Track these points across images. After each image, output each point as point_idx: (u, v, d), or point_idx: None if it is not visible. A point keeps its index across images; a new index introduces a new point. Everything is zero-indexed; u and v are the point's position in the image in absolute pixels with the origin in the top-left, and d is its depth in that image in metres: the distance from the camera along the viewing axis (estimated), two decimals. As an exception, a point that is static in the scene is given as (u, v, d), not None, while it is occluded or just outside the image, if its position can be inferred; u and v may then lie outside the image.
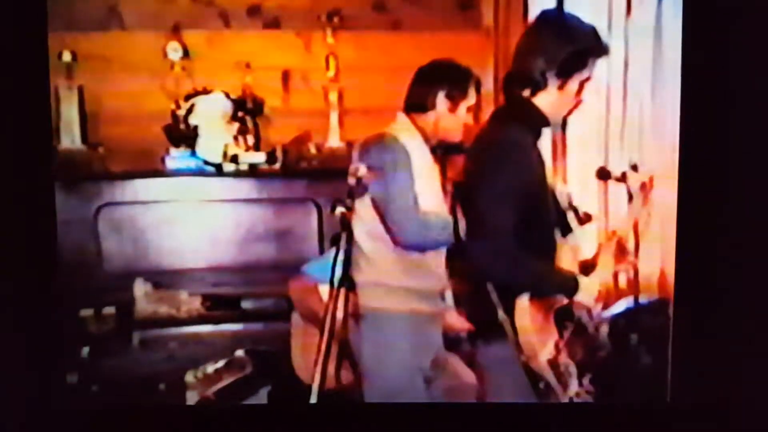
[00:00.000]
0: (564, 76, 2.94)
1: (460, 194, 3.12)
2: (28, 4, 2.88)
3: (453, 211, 3.19)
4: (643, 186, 3.16)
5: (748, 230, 2.96)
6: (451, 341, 3.58)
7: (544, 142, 4.18)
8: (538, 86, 2.96)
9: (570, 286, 2.93)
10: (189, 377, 4.03)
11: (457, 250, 3.20)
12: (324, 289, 2.87)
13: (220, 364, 4.09)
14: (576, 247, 3.08)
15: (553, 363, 2.87)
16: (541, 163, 3.05)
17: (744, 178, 2.95)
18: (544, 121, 3.02)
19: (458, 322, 3.48)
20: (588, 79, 3.00)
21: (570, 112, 3.06)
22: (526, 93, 2.99)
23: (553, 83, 2.95)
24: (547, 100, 2.98)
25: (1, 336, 2.94)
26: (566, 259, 3.01)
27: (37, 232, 2.97)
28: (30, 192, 2.93)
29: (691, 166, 3.02)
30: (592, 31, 3.00)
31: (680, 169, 3.06)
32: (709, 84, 2.95)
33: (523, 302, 2.84)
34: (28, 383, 2.97)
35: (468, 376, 3.51)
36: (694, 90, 2.98)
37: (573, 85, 2.97)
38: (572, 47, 2.93)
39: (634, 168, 3.19)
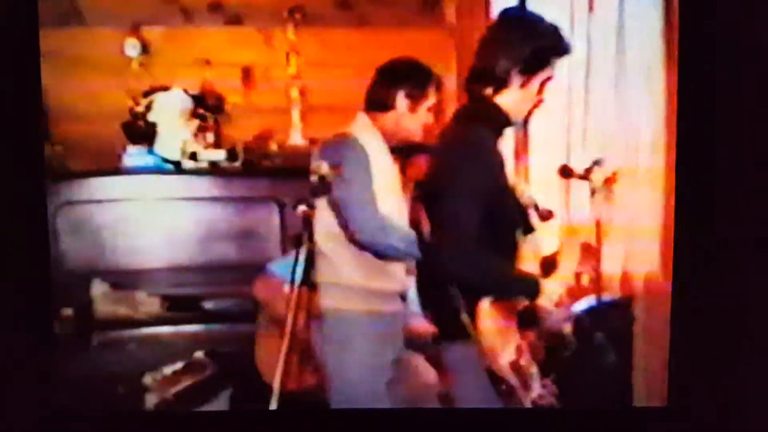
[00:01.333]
0: (527, 73, 2.95)
1: (423, 194, 3.11)
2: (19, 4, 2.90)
3: (414, 224, 3.18)
4: (606, 181, 3.17)
5: (746, 228, 2.99)
6: (416, 344, 3.57)
7: (507, 141, 4.20)
8: (501, 84, 2.96)
9: (532, 289, 2.93)
10: (148, 379, 3.98)
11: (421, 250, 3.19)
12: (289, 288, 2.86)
13: (180, 365, 4.05)
14: (538, 246, 3.08)
15: (515, 365, 2.86)
16: (503, 162, 3.05)
17: (741, 174, 2.98)
18: (507, 121, 3.02)
19: (423, 326, 3.47)
20: (550, 78, 3.00)
21: (531, 111, 3.06)
22: (489, 91, 2.98)
23: (515, 81, 2.95)
24: (509, 98, 2.98)
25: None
26: (528, 258, 3.01)
27: (30, 231, 2.98)
28: (22, 192, 2.94)
29: (686, 162, 3.04)
30: (555, 30, 3.01)
31: (677, 166, 3.10)
32: (704, 81, 2.98)
33: (485, 305, 2.84)
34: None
35: (430, 375, 3.51)
36: (689, 87, 3.01)
37: (535, 83, 2.97)
38: (535, 45, 2.94)
39: (597, 163, 3.19)
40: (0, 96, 2.91)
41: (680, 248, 3.11)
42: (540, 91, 3.01)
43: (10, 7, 2.89)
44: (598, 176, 3.19)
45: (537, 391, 2.93)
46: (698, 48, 3.02)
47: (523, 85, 2.97)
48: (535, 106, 3.05)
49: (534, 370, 2.94)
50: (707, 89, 3.01)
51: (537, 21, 3.05)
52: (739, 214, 3.03)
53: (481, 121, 2.98)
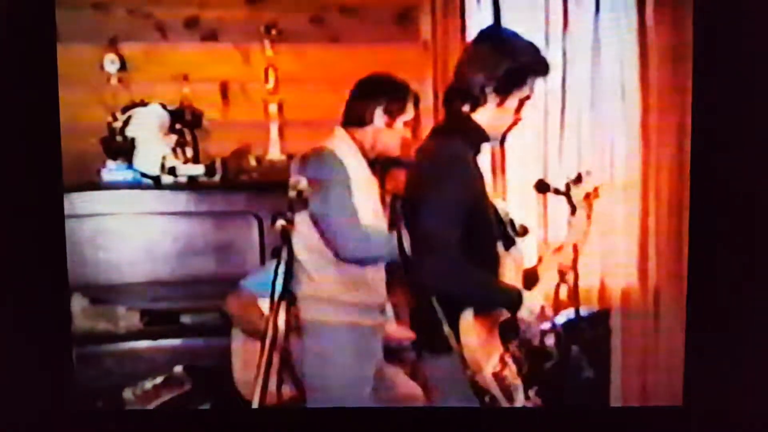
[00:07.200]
0: (503, 93, 2.97)
1: (403, 209, 3.13)
2: (37, 17, 2.92)
3: (393, 227, 3.20)
4: (587, 196, 3.20)
5: (758, 231, 3.04)
6: (394, 351, 3.59)
7: (484, 156, 4.24)
8: (477, 102, 2.98)
9: (513, 300, 2.95)
10: (127, 394, 3.97)
11: (399, 264, 3.21)
12: (264, 303, 2.86)
13: (159, 380, 4.04)
14: (519, 259, 3.11)
15: (498, 376, 2.89)
16: (481, 177, 3.08)
17: (752, 180, 3.03)
18: (484, 137, 3.05)
19: (399, 331, 3.50)
20: (528, 97, 3.03)
21: (509, 129, 3.09)
22: (466, 108, 3.01)
23: (492, 100, 2.98)
24: (486, 116, 3.01)
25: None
26: (509, 272, 3.03)
27: (46, 233, 3.01)
28: (39, 196, 2.97)
29: (700, 171, 3.09)
30: (533, 49, 3.04)
31: (691, 173, 3.13)
32: (715, 88, 3.03)
33: (467, 317, 2.86)
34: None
35: (410, 387, 3.53)
36: (701, 94, 3.06)
37: (512, 102, 3.00)
38: (511, 64, 2.96)
39: (578, 179, 3.22)
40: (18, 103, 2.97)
41: (693, 251, 3.14)
42: (518, 110, 3.04)
43: (27, 23, 2.94)
44: (578, 192, 3.22)
45: (520, 402, 2.95)
46: (710, 53, 3.07)
47: (499, 104, 3.00)
48: (513, 124, 3.08)
49: (517, 381, 2.96)
50: (718, 97, 3.05)
51: (513, 40, 3.08)
52: (750, 218, 3.07)
53: (459, 137, 3.01)
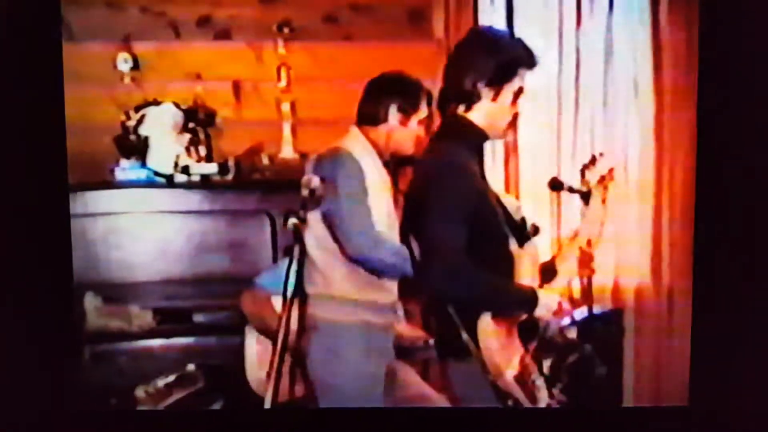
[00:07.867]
0: (495, 85, 2.98)
1: (409, 211, 3.14)
2: (43, 15, 2.93)
3: (406, 238, 3.18)
4: (602, 179, 3.19)
5: (764, 237, 3.03)
6: (406, 351, 3.58)
7: (496, 155, 4.24)
8: (472, 99, 3.00)
9: (529, 301, 2.94)
10: (139, 392, 3.98)
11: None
12: (277, 301, 2.86)
13: (171, 378, 4.05)
14: (535, 255, 3.10)
15: (520, 379, 2.88)
16: (484, 178, 3.08)
17: (758, 181, 3.02)
18: (482, 136, 3.06)
19: (411, 331, 3.50)
20: (521, 89, 3.04)
21: (510, 125, 3.10)
22: (461, 109, 3.02)
23: (486, 95, 2.99)
24: (482, 113, 3.01)
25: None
26: (525, 269, 3.02)
27: (51, 234, 3.02)
28: (43, 195, 2.98)
29: (706, 171, 3.08)
30: (520, 42, 3.07)
31: (697, 173, 3.13)
32: (722, 87, 3.03)
33: (485, 322, 2.85)
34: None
35: (421, 387, 3.52)
36: (707, 95, 3.05)
37: (506, 96, 3.01)
38: (499, 57, 2.98)
39: (593, 160, 3.22)
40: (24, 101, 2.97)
41: (699, 252, 3.14)
42: (513, 103, 3.05)
43: (34, 22, 2.94)
44: (593, 176, 3.22)
45: (545, 402, 2.94)
46: (716, 53, 3.06)
47: (494, 99, 3.01)
48: (513, 119, 3.09)
49: (540, 381, 2.95)
50: (725, 96, 3.05)
51: (501, 35, 3.15)
52: (752, 221, 3.07)
53: (456, 139, 3.02)
